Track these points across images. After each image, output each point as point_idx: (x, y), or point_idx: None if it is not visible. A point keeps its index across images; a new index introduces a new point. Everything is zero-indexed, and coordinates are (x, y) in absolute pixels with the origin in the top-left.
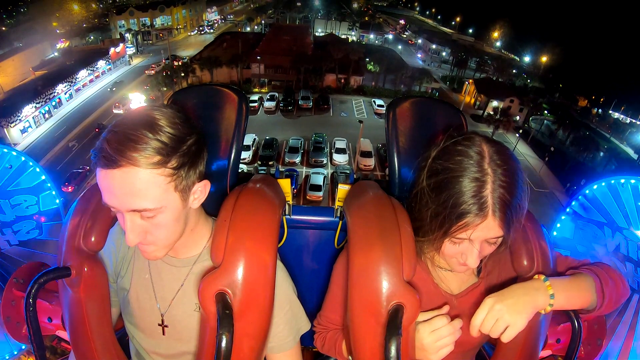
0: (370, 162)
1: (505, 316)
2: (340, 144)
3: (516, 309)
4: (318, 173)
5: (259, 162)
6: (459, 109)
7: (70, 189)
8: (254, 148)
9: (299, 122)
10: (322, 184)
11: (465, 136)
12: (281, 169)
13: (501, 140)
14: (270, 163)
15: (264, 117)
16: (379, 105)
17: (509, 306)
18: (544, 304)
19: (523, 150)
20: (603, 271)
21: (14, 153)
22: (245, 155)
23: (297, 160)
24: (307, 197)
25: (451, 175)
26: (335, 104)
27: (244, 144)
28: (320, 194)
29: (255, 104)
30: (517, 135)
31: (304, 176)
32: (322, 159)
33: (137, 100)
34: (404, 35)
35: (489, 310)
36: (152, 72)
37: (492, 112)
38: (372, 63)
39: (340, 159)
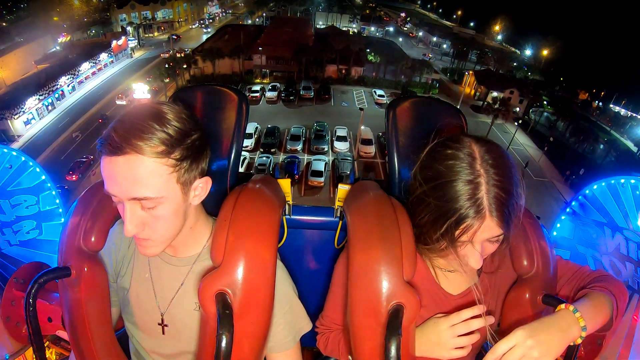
0: (371, 149)
1: (534, 354)
2: (341, 132)
3: (548, 347)
4: (319, 160)
5: (261, 150)
6: (459, 109)
7: (74, 177)
8: (256, 136)
9: (300, 112)
10: (323, 170)
11: (454, 138)
12: (283, 156)
13: (500, 129)
14: (272, 150)
15: (266, 107)
16: (379, 95)
17: (540, 343)
18: (576, 337)
19: (522, 140)
20: (615, 287)
21: (14, 153)
22: (248, 142)
23: (299, 147)
24: (309, 183)
25: (444, 180)
26: (336, 94)
27: (246, 132)
28: (322, 179)
29: (257, 94)
30: (516, 124)
31: (305, 163)
32: (324, 147)
33: (140, 90)
34: (405, 28)
35: (518, 344)
36: (167, 55)
37: (491, 102)
38: (372, 54)
39: (341, 146)
